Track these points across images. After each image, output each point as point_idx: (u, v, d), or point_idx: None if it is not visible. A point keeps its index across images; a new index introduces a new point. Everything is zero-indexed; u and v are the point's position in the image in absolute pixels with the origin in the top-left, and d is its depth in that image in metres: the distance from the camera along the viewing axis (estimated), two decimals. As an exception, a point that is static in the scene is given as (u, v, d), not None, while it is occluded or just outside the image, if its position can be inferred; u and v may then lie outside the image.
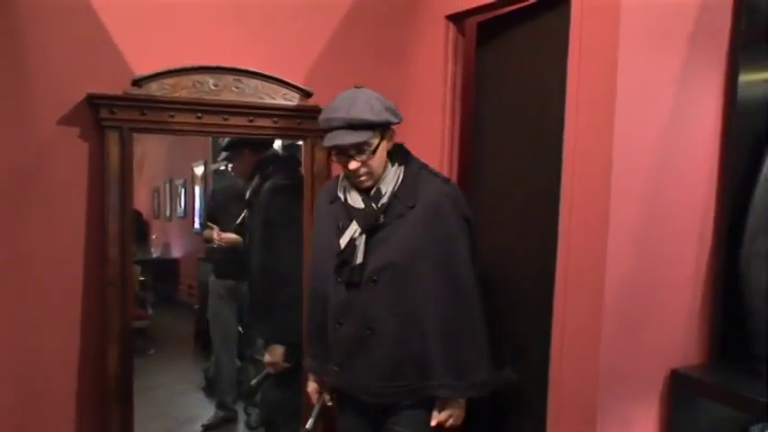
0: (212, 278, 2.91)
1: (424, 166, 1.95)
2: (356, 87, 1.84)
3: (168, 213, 3.07)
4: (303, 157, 2.37)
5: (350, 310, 1.88)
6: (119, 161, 2.09)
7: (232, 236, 2.74)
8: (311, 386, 2.10)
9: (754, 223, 1.64)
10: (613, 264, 1.57)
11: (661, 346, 1.67)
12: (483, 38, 2.23)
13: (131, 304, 2.18)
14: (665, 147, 1.62)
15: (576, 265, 1.66)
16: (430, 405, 1.92)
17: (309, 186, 2.38)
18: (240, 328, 2.93)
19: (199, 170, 2.96)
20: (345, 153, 1.81)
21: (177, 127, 2.17)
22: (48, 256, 2.11)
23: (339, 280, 1.88)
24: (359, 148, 1.80)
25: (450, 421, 1.94)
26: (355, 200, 1.88)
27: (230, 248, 2.73)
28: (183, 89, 2.13)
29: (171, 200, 3.07)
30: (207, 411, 2.94)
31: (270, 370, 2.61)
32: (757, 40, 1.65)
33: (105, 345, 2.13)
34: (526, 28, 2.02)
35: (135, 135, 2.12)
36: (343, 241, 1.85)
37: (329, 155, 1.88)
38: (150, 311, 3.01)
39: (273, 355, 2.56)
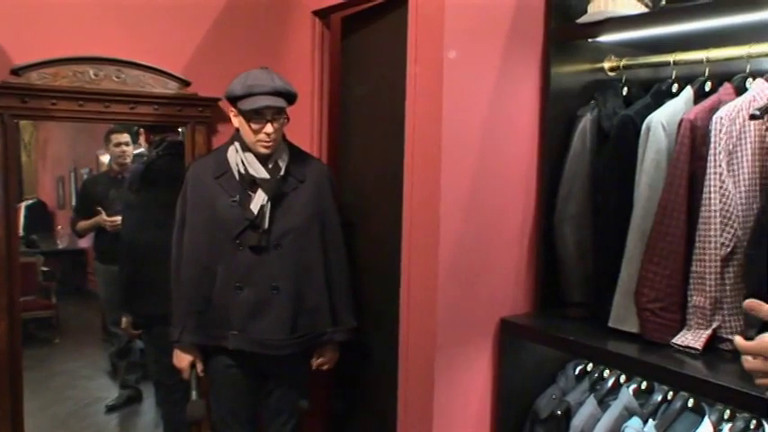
0: (98, 264, 3.01)
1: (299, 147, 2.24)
2: (263, 68, 2.09)
3: (74, 203, 3.05)
4: (185, 142, 2.52)
5: (253, 273, 2.07)
6: (1, 146, 2.18)
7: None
8: (184, 360, 2.19)
9: (564, 191, 1.94)
10: (446, 228, 1.83)
11: (492, 297, 1.96)
12: (347, 31, 2.45)
13: (17, 281, 2.26)
14: (490, 128, 1.90)
15: (417, 230, 1.92)
16: (310, 354, 2.21)
17: (191, 170, 2.53)
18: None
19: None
20: (264, 117, 2.02)
21: (60, 114, 2.27)
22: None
23: (240, 246, 2.06)
24: (279, 113, 2.05)
25: (328, 365, 2.25)
26: (259, 171, 2.08)
27: (116, 233, 2.82)
28: (64, 78, 2.24)
29: (77, 189, 3.06)
30: (112, 393, 3.03)
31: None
32: (565, 39, 1.95)
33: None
34: (382, 22, 2.25)
35: (21, 122, 2.24)
36: (255, 208, 2.05)
37: (248, 120, 2.04)
38: (54, 301, 3.08)
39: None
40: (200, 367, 2.20)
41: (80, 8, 2.32)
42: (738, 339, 1.09)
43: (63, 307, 3.13)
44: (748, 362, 1.06)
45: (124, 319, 2.83)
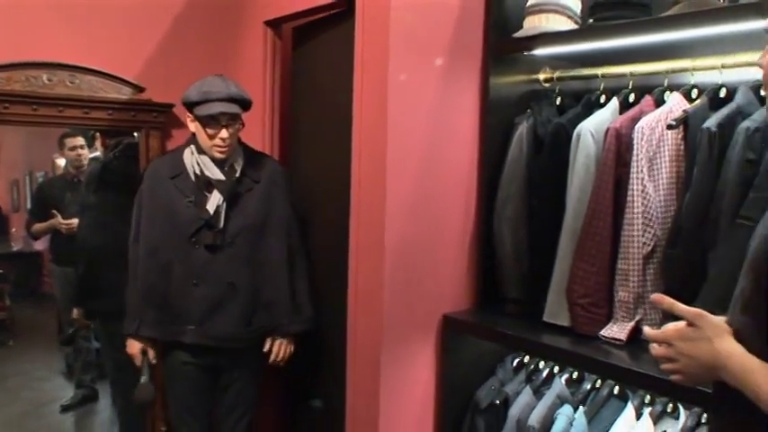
0: (54, 266, 3.02)
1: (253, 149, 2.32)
2: (218, 75, 2.15)
3: (30, 206, 3.04)
4: (140, 146, 2.55)
5: (209, 270, 2.13)
6: (-47, 150, 2.20)
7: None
8: (136, 346, 2.22)
9: (502, 194, 2.06)
10: (391, 230, 1.92)
11: (435, 295, 2.06)
12: (298, 41, 2.53)
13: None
14: (433, 135, 2.00)
15: (363, 230, 2.01)
16: (262, 346, 2.27)
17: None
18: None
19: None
20: (219, 123, 2.09)
21: (13, 118, 2.28)
22: None
23: (196, 245, 2.12)
24: (234, 119, 2.12)
25: (283, 355, 2.30)
26: (214, 172, 2.14)
27: (72, 235, 2.82)
28: (17, 83, 2.26)
29: (32, 192, 3.05)
30: (68, 393, 3.04)
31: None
32: (503, 52, 2.08)
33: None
34: (331, 33, 2.32)
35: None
36: (212, 208, 2.11)
37: (204, 126, 2.10)
38: (8, 303, 3.09)
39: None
40: (151, 354, 2.24)
41: (33, 13, 2.34)
42: (646, 329, 1.22)
43: (17, 309, 3.13)
44: (654, 349, 1.18)
45: (75, 310, 2.86)
